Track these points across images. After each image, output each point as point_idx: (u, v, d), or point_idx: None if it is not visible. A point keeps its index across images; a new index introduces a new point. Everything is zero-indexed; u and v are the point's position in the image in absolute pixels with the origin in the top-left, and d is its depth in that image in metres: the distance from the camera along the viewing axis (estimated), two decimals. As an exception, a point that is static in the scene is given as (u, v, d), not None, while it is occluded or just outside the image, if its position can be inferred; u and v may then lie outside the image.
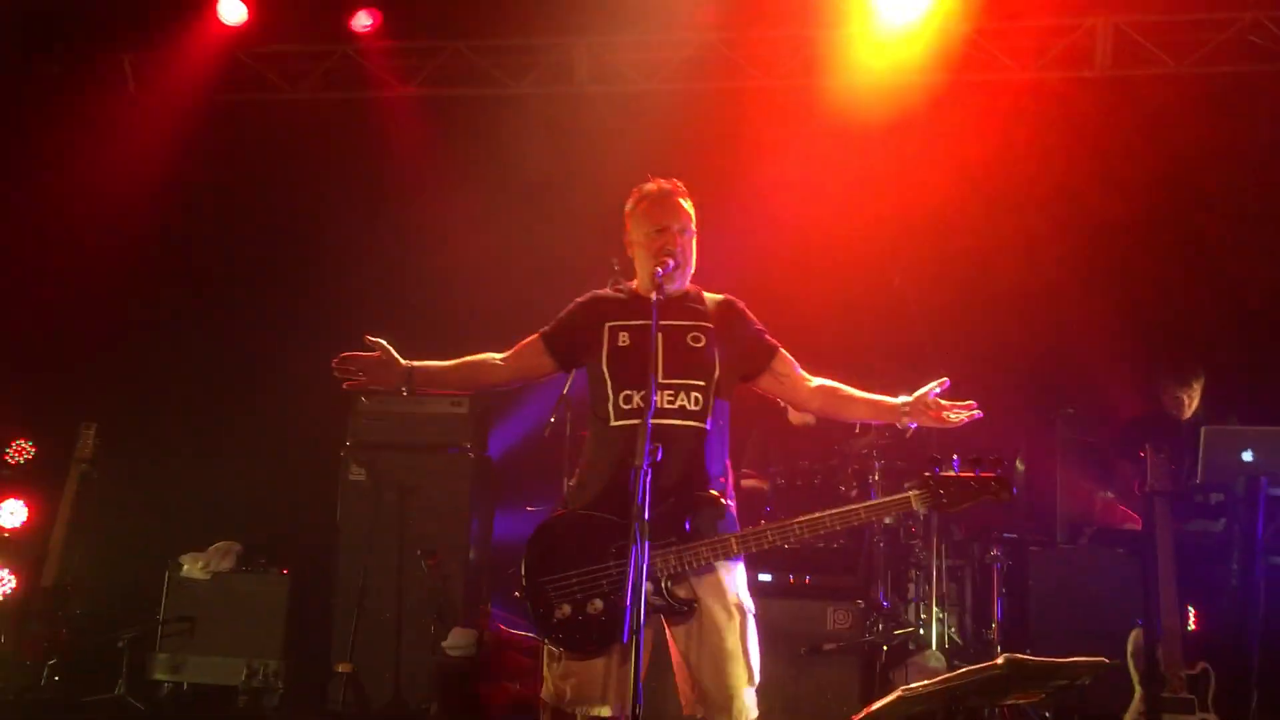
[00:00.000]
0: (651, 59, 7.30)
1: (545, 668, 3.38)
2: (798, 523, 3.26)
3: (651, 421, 3.13)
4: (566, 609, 3.24)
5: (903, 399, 3.45)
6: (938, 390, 3.40)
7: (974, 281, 6.76)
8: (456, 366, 3.59)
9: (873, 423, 3.51)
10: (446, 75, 7.49)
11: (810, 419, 6.41)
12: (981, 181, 6.74)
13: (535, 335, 3.61)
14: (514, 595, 3.34)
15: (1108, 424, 6.47)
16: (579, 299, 3.65)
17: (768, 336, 3.59)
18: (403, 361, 3.51)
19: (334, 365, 3.50)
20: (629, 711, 2.85)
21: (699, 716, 3.33)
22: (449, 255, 7.05)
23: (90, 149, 7.35)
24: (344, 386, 3.56)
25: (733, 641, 3.28)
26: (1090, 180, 6.77)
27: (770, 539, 3.26)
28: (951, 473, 3.32)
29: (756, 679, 3.32)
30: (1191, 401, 5.96)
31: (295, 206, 7.46)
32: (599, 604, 3.22)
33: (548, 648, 3.37)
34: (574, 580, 3.26)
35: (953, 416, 3.40)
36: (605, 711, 3.26)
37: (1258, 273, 6.58)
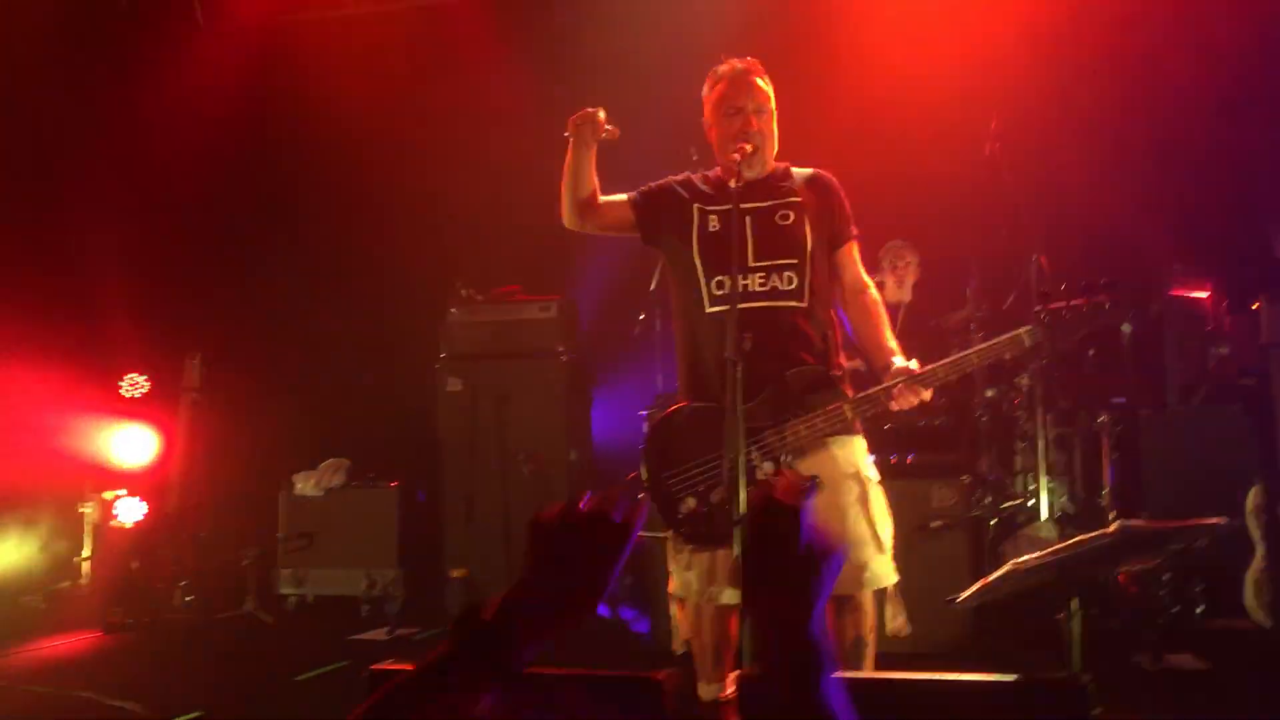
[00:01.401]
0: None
1: (670, 561, 3.42)
2: (907, 380, 3.19)
3: (741, 306, 3.10)
4: (691, 502, 3.25)
5: (896, 365, 3.30)
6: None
7: (1067, 145, 6.47)
8: (592, 180, 3.53)
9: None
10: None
11: (907, 296, 6.30)
12: (1079, 36, 6.40)
13: (623, 196, 3.56)
14: (638, 497, 3.35)
15: (1216, 278, 6.21)
16: (662, 180, 3.58)
17: (851, 222, 3.51)
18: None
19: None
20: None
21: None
22: (524, 157, 7.00)
23: (169, 84, 7.44)
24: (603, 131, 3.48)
25: (854, 515, 3.26)
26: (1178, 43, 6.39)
27: (883, 401, 3.21)
28: (1061, 301, 3.22)
29: (887, 547, 3.30)
30: None
31: (372, 123, 7.44)
32: (722, 493, 3.21)
33: (670, 543, 3.40)
34: (695, 472, 3.26)
35: (894, 405, 3.24)
36: (734, 598, 3.29)
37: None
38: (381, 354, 7.32)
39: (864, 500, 3.28)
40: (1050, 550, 2.52)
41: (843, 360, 3.49)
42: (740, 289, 3.20)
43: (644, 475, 3.32)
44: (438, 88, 7.45)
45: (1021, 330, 3.23)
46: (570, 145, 3.46)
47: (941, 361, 3.26)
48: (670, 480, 3.28)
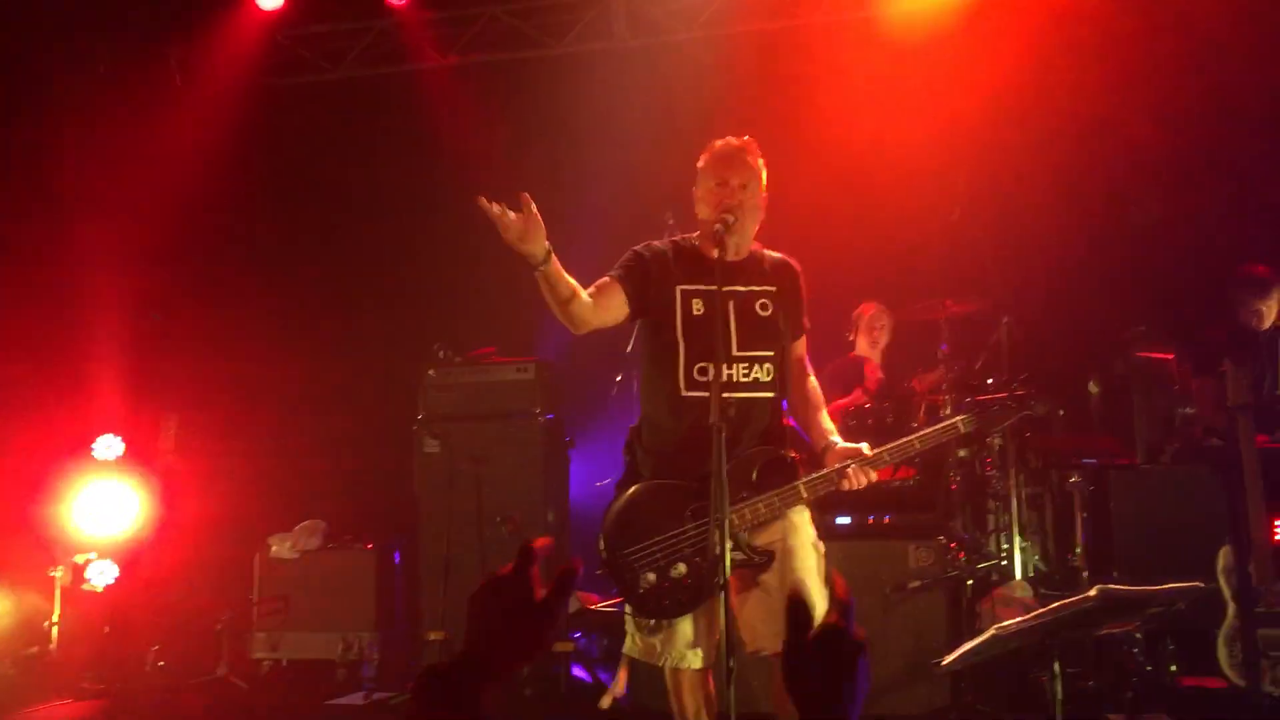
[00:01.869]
0: (686, 6, 7.22)
1: (629, 621, 3.45)
2: (855, 462, 3.32)
3: (725, 396, 3.17)
4: (651, 577, 3.30)
5: (839, 446, 3.42)
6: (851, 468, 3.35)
7: (1037, 207, 6.63)
8: (573, 288, 3.34)
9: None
10: (485, 41, 7.49)
11: (875, 355, 6.41)
12: (1046, 103, 6.59)
13: (607, 278, 3.51)
14: (596, 573, 3.37)
15: (1181, 341, 6.35)
16: (639, 249, 3.58)
17: (805, 314, 3.65)
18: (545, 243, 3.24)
19: (482, 202, 3.17)
20: (723, 660, 2.91)
21: (764, 651, 3.37)
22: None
23: (143, 146, 7.46)
24: (504, 229, 3.17)
25: (814, 581, 3.39)
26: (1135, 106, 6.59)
27: (834, 480, 3.33)
28: (987, 394, 3.43)
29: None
30: (1270, 312, 5.81)
31: (349, 187, 7.54)
32: (682, 568, 3.28)
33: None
34: (655, 548, 3.31)
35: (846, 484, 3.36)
36: (698, 662, 3.34)
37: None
38: (358, 415, 7.32)
39: (820, 568, 3.43)
40: (1033, 615, 2.58)
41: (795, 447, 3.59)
42: (725, 378, 3.31)
43: (603, 551, 3.35)
44: (416, 151, 7.54)
45: (958, 419, 3.46)
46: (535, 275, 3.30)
47: (886, 446, 3.40)
48: (631, 556, 3.31)
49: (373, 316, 7.36)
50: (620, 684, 3.51)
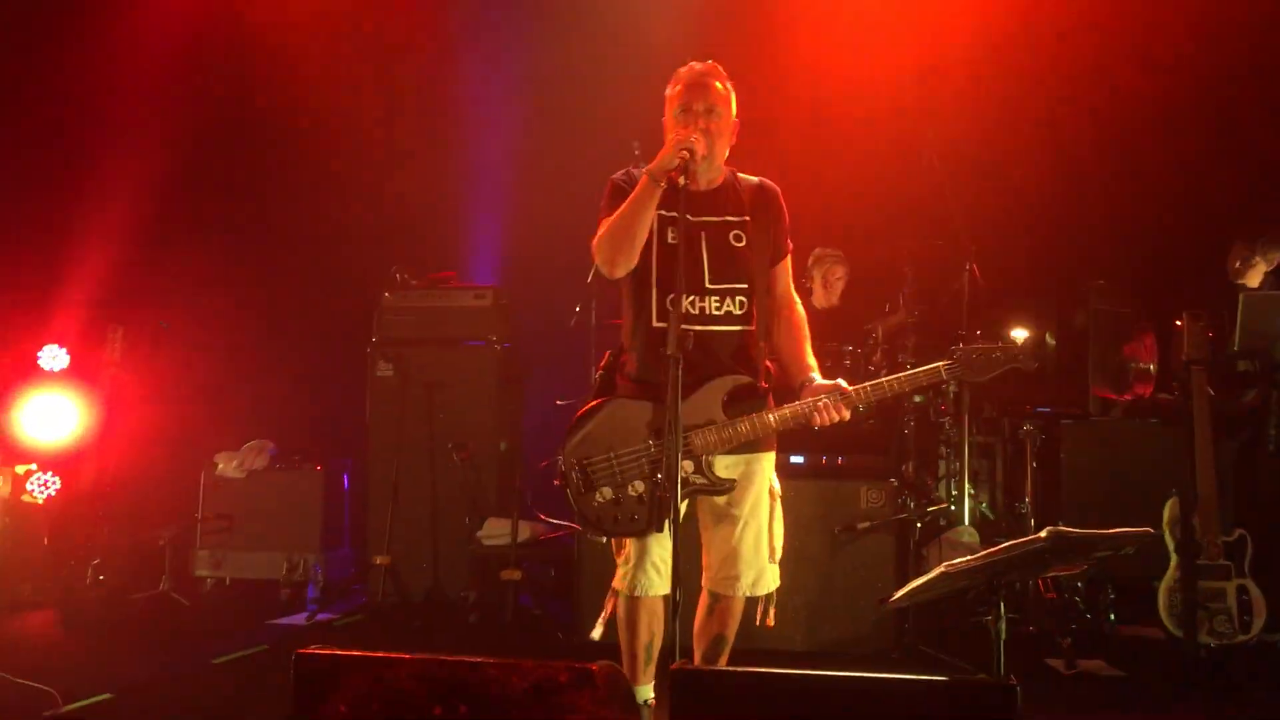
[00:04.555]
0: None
1: (615, 556, 3.46)
2: (834, 397, 3.26)
3: (697, 329, 3.18)
4: (608, 491, 3.28)
5: (817, 382, 3.35)
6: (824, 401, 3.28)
7: (1006, 156, 6.60)
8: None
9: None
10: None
11: (835, 301, 6.37)
12: (1020, 48, 6.52)
13: (606, 218, 3.44)
14: (552, 483, 3.36)
15: (1139, 295, 6.37)
16: (618, 179, 3.48)
17: (788, 235, 3.55)
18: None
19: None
20: (671, 593, 2.90)
21: (718, 589, 3.42)
22: (467, 150, 6.96)
23: (97, 53, 7.20)
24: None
25: (763, 523, 3.41)
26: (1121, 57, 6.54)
27: (804, 412, 3.27)
28: (978, 344, 3.34)
29: (778, 556, 3.46)
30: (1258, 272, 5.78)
31: (313, 103, 7.31)
32: (640, 485, 3.27)
33: (613, 540, 3.43)
34: (614, 463, 3.29)
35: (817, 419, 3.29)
36: (664, 587, 3.35)
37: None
38: (312, 336, 7.21)
39: (771, 514, 3.43)
40: (982, 554, 2.57)
41: (770, 377, 3.53)
42: (698, 310, 3.28)
43: (560, 461, 3.33)
44: (381, 72, 7.36)
45: (940, 364, 3.35)
46: (642, 183, 3.25)
47: (866, 384, 3.33)
48: (588, 467, 3.30)
49: (332, 235, 7.22)
50: (607, 612, 3.49)
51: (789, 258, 3.56)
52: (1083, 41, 6.52)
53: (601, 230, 3.37)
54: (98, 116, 7.18)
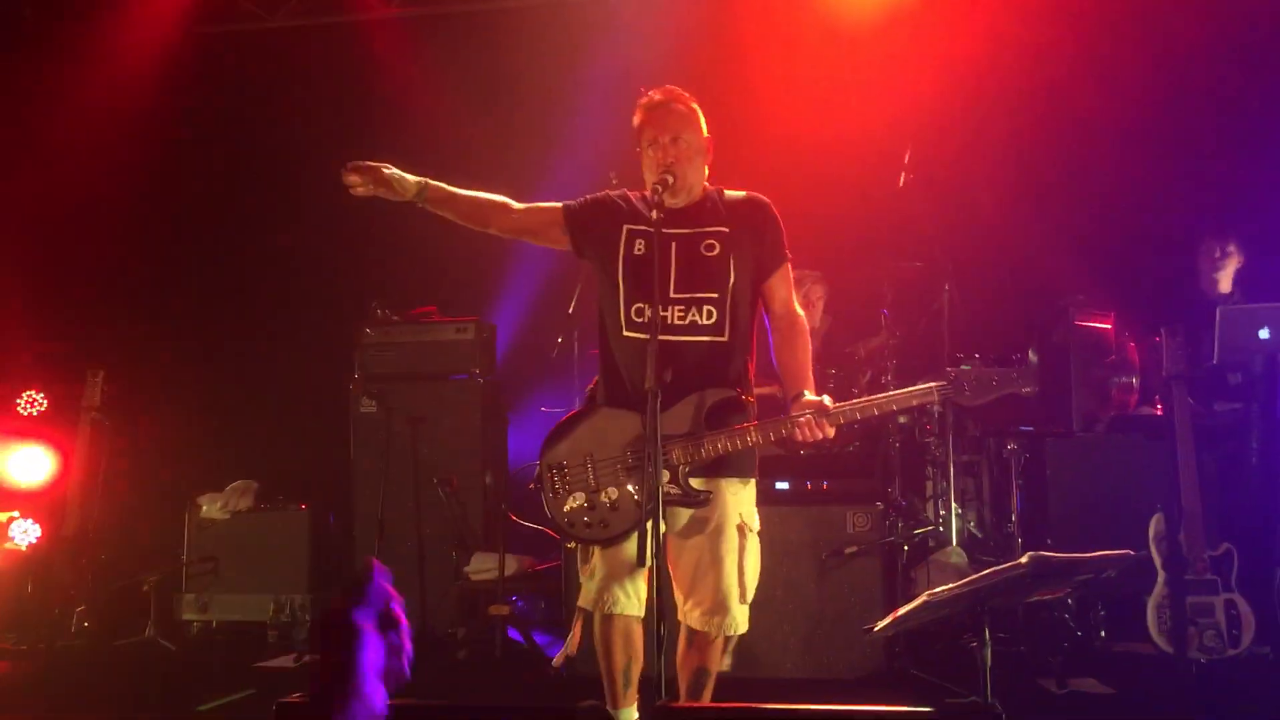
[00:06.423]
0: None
1: (580, 573, 3.43)
2: (817, 413, 3.21)
3: (661, 339, 3.12)
4: (581, 498, 3.28)
5: (806, 398, 3.30)
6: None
7: (983, 175, 6.63)
8: (471, 196, 3.54)
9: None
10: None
11: (815, 323, 6.38)
12: (994, 75, 6.56)
13: (557, 203, 3.57)
14: (529, 487, 3.38)
15: (1119, 310, 6.40)
16: (608, 190, 3.59)
17: (783, 244, 3.49)
18: (413, 178, 3.49)
19: (345, 169, 3.49)
20: (654, 623, 2.88)
21: (689, 623, 3.36)
22: (443, 177, 6.94)
23: (73, 90, 7.21)
24: (353, 193, 3.52)
25: (729, 564, 3.32)
26: (1086, 78, 6.58)
27: (787, 428, 3.22)
28: (972, 368, 3.30)
29: (749, 597, 3.37)
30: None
31: (288, 140, 7.32)
32: (614, 493, 3.26)
33: (578, 554, 3.43)
34: (589, 468, 3.28)
35: (799, 434, 3.25)
36: (631, 609, 3.33)
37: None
38: (294, 374, 7.17)
39: (742, 551, 3.34)
40: (964, 581, 2.56)
41: (752, 392, 3.49)
42: (660, 320, 3.19)
43: (537, 464, 3.34)
44: (357, 105, 7.36)
45: (933, 384, 3.30)
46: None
47: (854, 401, 3.30)
48: (566, 472, 3.30)
49: (311, 272, 7.21)
50: (574, 641, 3.45)
51: (787, 266, 3.48)
52: (1049, 70, 6.58)
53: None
54: (74, 159, 7.15)
